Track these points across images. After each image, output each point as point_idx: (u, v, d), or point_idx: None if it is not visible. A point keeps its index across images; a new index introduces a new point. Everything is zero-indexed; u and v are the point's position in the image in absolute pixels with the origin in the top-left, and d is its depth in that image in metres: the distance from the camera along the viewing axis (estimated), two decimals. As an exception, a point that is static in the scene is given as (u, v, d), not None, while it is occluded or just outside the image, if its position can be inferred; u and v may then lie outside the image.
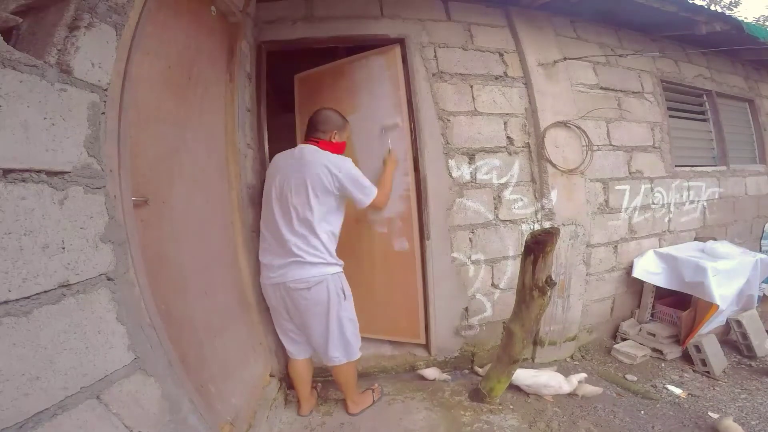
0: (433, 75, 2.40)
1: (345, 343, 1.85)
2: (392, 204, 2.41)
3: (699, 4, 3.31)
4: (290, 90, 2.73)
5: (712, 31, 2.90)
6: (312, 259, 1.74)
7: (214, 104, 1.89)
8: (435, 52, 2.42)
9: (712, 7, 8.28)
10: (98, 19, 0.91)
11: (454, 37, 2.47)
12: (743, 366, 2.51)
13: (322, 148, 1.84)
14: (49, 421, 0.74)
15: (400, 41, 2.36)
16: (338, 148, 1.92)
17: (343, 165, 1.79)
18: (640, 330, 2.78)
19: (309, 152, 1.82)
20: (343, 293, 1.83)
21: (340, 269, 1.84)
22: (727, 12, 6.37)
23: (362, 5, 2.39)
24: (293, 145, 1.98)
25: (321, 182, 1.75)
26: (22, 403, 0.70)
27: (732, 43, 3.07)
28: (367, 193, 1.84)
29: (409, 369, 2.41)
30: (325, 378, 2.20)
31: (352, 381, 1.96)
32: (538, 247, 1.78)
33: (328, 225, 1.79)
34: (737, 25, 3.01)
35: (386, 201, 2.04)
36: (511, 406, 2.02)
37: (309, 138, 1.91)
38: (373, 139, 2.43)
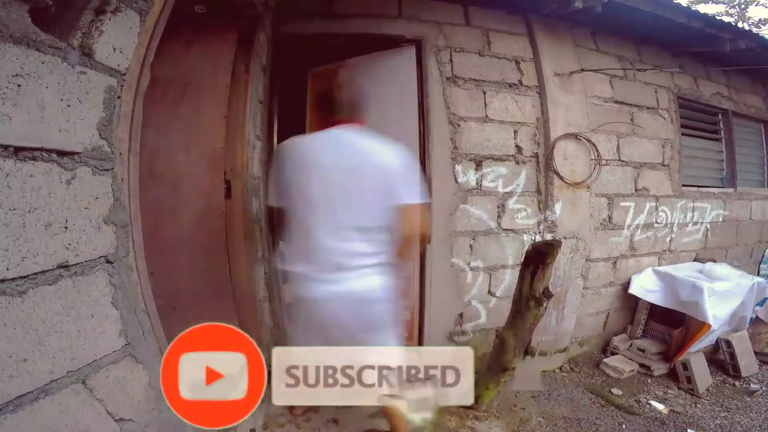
0: (447, 79, 2.38)
1: None
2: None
3: (726, 20, 3.23)
4: (301, 83, 2.72)
5: (736, 49, 2.85)
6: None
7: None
8: (451, 55, 2.40)
9: (740, 24, 7.98)
10: (125, 4, 0.90)
11: (471, 42, 2.44)
12: (727, 385, 2.56)
13: None
14: (30, 405, 0.72)
15: (417, 43, 2.33)
16: None
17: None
18: (631, 345, 2.82)
19: (366, 139, 1.33)
20: None
21: None
22: (755, 30, 6.12)
23: (381, 4, 2.35)
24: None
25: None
26: (5, 386, 0.68)
27: (757, 62, 3.01)
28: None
29: (400, 370, 2.45)
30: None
31: None
32: (538, 258, 1.79)
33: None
34: (763, 43, 2.94)
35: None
36: (497, 414, 2.06)
37: (349, 118, 1.35)
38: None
